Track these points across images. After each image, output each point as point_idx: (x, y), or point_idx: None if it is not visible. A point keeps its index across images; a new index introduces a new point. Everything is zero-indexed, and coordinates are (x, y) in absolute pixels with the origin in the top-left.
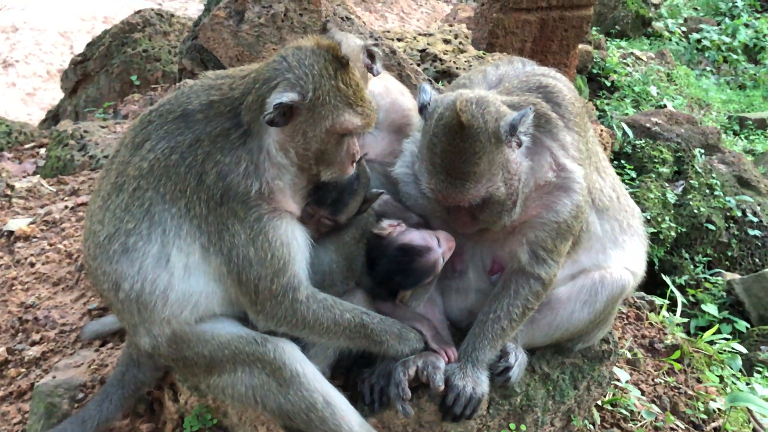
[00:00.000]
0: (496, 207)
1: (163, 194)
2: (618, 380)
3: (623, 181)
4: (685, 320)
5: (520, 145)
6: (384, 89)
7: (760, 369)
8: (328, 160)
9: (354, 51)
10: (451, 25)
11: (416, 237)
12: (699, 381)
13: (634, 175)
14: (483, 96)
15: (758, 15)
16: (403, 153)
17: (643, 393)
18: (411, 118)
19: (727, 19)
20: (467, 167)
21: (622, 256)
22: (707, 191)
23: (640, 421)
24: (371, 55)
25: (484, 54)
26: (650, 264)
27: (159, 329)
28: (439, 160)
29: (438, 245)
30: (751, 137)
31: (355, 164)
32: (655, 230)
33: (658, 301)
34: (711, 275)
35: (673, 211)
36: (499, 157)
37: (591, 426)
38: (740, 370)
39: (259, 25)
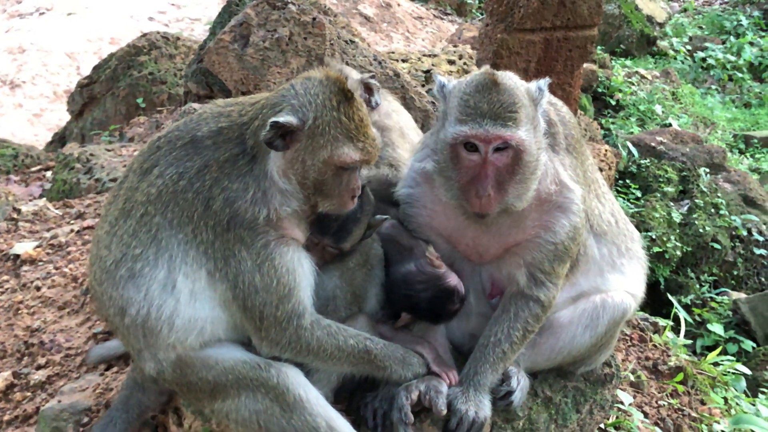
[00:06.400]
0: (524, 172)
1: (171, 220)
2: (621, 403)
3: (628, 200)
4: (690, 341)
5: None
6: None
7: (766, 390)
8: (326, 192)
9: (352, 85)
10: (455, 46)
11: (459, 283)
12: (703, 403)
13: (639, 194)
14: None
15: (763, 33)
16: (406, 174)
17: (646, 415)
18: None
19: (732, 38)
20: (507, 112)
21: (622, 279)
22: (713, 210)
23: None
24: (369, 89)
25: None
26: (656, 283)
27: (164, 354)
28: (475, 108)
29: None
30: (757, 156)
31: (355, 199)
32: (661, 249)
33: (661, 322)
34: (717, 294)
35: (678, 231)
36: (533, 114)
37: None
38: (745, 392)
39: (264, 49)
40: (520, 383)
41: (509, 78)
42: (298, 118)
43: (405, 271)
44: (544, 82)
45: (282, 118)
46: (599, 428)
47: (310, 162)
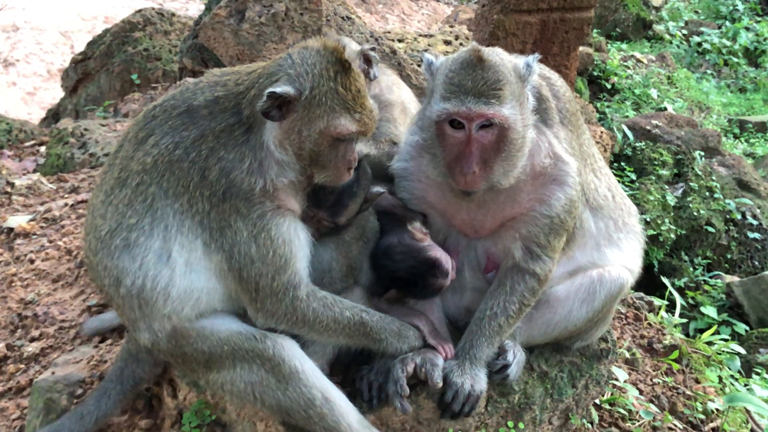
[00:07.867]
0: (510, 149)
1: (166, 189)
2: (616, 379)
3: (623, 183)
4: (684, 321)
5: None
6: None
7: (759, 371)
8: (322, 163)
9: (350, 56)
10: (451, 27)
11: (442, 257)
12: (697, 381)
13: (634, 177)
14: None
15: (759, 18)
16: (401, 149)
17: (641, 392)
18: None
19: (727, 23)
20: (490, 90)
21: (619, 254)
22: (707, 194)
23: (639, 421)
24: (368, 60)
25: None
26: (650, 266)
27: (159, 325)
28: (459, 85)
29: (450, 271)
30: (752, 140)
31: (351, 171)
32: (655, 232)
33: (657, 301)
34: (710, 278)
35: (672, 214)
36: (519, 91)
37: (589, 425)
38: (739, 371)
39: (260, 24)
40: (516, 357)
41: (495, 54)
42: (295, 88)
43: (387, 243)
44: (532, 58)
45: (279, 89)
46: (594, 404)
47: (306, 132)
